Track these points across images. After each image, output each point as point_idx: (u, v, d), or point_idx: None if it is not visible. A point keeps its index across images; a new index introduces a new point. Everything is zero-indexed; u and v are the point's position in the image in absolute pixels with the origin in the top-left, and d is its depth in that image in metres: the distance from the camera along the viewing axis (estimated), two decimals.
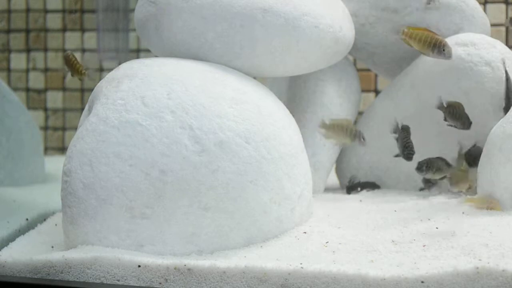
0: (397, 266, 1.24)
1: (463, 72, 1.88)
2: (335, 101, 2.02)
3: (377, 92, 3.09)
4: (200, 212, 1.39)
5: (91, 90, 1.57)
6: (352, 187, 2.00)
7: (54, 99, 3.52)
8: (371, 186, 2.00)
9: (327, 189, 2.05)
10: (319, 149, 1.98)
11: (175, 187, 1.38)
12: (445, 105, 1.77)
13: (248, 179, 1.43)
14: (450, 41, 1.94)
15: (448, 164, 1.73)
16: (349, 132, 1.78)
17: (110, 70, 1.62)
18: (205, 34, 1.63)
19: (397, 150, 1.74)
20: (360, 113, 2.32)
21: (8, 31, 3.56)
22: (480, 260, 1.22)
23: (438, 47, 1.74)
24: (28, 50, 3.54)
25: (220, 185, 1.40)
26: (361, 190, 1.98)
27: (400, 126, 1.73)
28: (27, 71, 3.55)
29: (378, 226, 1.54)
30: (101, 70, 3.45)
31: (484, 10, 2.89)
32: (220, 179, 1.40)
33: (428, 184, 1.87)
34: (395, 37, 1.92)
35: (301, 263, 1.27)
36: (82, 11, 3.49)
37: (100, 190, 1.38)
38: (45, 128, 3.52)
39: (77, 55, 3.47)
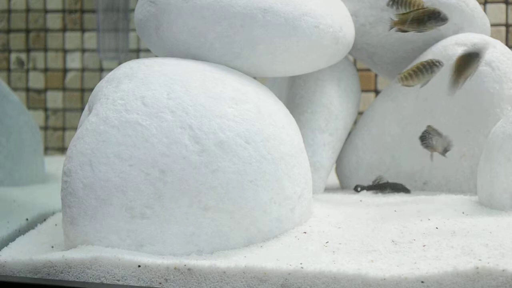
0: (397, 266, 1.24)
1: None
2: (335, 101, 2.02)
3: (377, 92, 3.09)
4: (200, 212, 1.39)
5: (91, 90, 1.57)
6: (377, 187, 1.96)
7: (54, 99, 3.52)
8: (400, 189, 1.95)
9: (327, 189, 2.05)
10: (319, 149, 1.98)
11: (175, 187, 1.38)
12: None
13: (248, 179, 1.43)
14: (450, 41, 1.95)
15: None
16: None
17: (110, 70, 1.62)
18: (205, 34, 1.63)
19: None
20: (360, 113, 2.32)
21: (8, 31, 3.57)
22: (480, 260, 1.22)
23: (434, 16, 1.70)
24: (28, 50, 3.54)
25: (220, 185, 1.40)
26: (387, 192, 1.94)
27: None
28: (27, 71, 3.55)
29: (378, 226, 1.54)
30: (101, 70, 3.45)
31: (484, 10, 2.89)
32: (220, 179, 1.40)
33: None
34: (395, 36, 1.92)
35: (301, 263, 1.27)
36: (82, 11, 3.50)
37: (100, 190, 1.38)
38: (45, 128, 3.52)
39: (77, 55, 3.49)
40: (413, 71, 1.69)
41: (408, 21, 1.69)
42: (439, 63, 1.70)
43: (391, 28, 1.71)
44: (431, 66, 1.69)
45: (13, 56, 3.54)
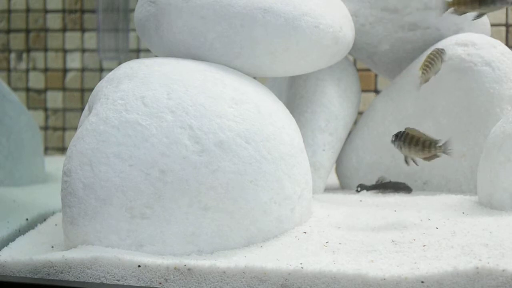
0: (397, 266, 1.24)
1: (463, 72, 1.88)
2: (335, 101, 2.02)
3: (377, 92, 3.09)
4: (200, 212, 1.39)
5: (91, 90, 1.57)
6: (379, 187, 1.95)
7: (54, 99, 3.52)
8: (402, 188, 1.93)
9: (327, 189, 2.05)
10: (319, 149, 1.98)
11: (175, 187, 1.38)
12: None
13: (248, 179, 1.43)
14: (450, 41, 1.95)
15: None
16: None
17: (110, 70, 1.61)
18: (205, 34, 1.63)
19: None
20: (360, 113, 2.32)
21: (8, 31, 3.56)
22: (480, 260, 1.22)
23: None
24: (28, 50, 3.54)
25: (220, 185, 1.40)
26: (388, 191, 1.93)
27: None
28: (27, 71, 3.55)
29: (378, 226, 1.54)
30: (101, 70, 3.45)
31: None
32: (220, 179, 1.40)
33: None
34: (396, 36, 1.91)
35: (301, 263, 1.27)
36: (82, 11, 3.50)
37: (100, 190, 1.38)
38: (45, 128, 3.52)
39: (77, 55, 3.49)
40: (428, 63, 1.70)
41: (470, 1, 1.65)
42: (443, 50, 1.75)
43: (445, 10, 1.68)
44: (439, 54, 1.73)
45: (13, 55, 3.54)
